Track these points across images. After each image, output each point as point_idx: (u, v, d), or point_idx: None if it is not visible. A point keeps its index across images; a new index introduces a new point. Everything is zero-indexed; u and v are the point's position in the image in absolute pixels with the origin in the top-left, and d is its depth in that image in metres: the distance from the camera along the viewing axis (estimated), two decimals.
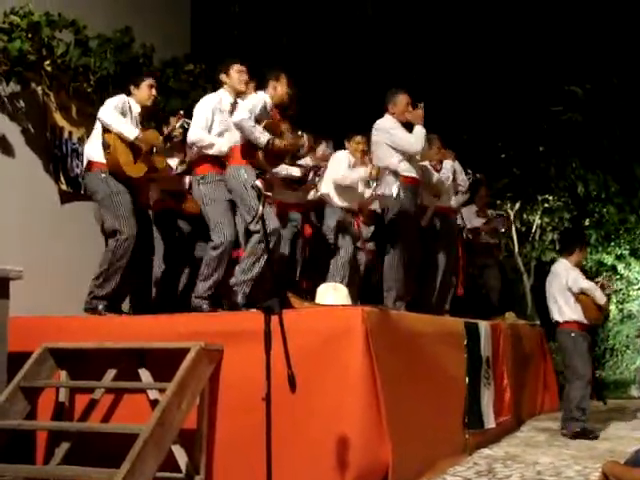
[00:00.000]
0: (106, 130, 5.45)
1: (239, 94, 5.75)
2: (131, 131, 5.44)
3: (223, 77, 5.82)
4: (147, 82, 5.77)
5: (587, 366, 6.88)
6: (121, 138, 5.42)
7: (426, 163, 6.98)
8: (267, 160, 5.34)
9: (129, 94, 5.72)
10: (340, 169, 6.57)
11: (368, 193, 6.81)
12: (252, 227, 5.27)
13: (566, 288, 6.93)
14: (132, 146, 5.47)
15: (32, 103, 6.68)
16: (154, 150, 5.63)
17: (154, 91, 5.80)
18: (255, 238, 5.30)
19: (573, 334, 6.90)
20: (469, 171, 8.42)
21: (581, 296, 6.90)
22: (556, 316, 7.01)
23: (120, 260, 5.45)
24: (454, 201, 7.59)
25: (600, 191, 12.51)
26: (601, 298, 6.91)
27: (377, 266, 7.06)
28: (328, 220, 6.61)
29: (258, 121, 5.31)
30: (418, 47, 11.67)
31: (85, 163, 5.71)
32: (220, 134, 5.64)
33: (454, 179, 7.44)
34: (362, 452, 4.18)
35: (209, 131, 5.65)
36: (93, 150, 5.58)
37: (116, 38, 7.17)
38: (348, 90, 10.80)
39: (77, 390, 4.79)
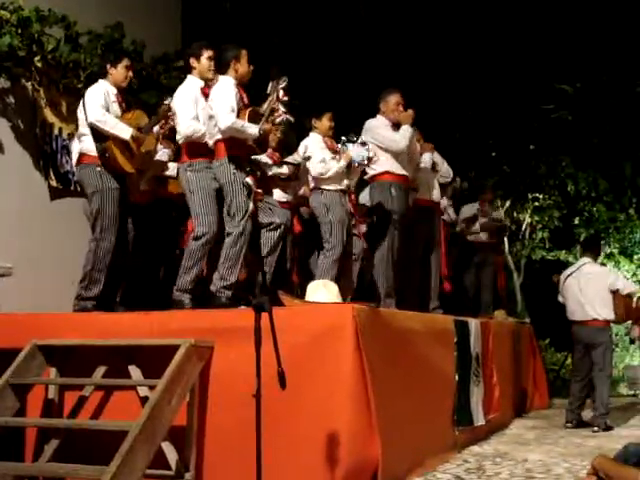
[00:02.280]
0: (96, 132, 5.37)
1: (206, 80, 5.54)
2: (125, 131, 5.39)
3: (192, 61, 5.56)
4: (124, 63, 5.64)
5: None
6: (115, 139, 5.36)
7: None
8: (259, 147, 5.28)
9: (105, 75, 5.59)
10: (319, 162, 6.19)
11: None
12: (239, 222, 5.14)
13: (609, 288, 7.16)
14: (127, 142, 5.42)
15: (22, 99, 6.66)
16: (142, 130, 5.54)
17: (130, 72, 5.67)
18: (229, 241, 5.17)
19: (610, 333, 7.30)
20: (457, 179, 8.47)
21: (626, 297, 7.16)
22: (604, 314, 7.16)
23: (102, 260, 5.38)
24: (436, 195, 7.45)
25: (590, 189, 12.58)
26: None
27: (368, 262, 7.00)
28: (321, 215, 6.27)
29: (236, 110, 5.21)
30: (410, 47, 11.68)
31: (78, 155, 5.61)
32: (204, 122, 5.46)
33: (436, 170, 7.34)
34: (352, 449, 4.19)
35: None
36: (88, 143, 5.46)
37: (106, 34, 7.16)
38: (340, 90, 10.79)
39: (67, 387, 4.76)
